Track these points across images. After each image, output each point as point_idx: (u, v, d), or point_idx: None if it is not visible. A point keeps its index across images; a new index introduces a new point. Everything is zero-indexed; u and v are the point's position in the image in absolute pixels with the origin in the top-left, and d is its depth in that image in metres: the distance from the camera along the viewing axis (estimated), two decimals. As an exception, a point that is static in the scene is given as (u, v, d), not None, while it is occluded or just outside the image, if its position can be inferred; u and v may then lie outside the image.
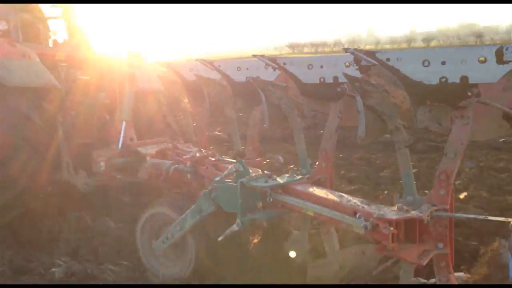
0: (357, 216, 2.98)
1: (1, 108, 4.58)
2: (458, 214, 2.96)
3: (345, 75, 3.25)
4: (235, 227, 3.53)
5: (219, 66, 4.40)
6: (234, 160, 4.30)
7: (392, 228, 2.83)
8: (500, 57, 2.79)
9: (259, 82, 3.91)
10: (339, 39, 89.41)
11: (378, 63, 3.08)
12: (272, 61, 3.76)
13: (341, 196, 3.37)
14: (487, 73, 2.82)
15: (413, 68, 2.99)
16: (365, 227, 2.89)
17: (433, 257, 3.00)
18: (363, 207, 3.10)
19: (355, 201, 3.24)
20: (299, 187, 3.57)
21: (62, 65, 5.69)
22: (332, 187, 3.78)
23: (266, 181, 3.59)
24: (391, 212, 2.95)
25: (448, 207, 2.97)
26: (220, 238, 3.61)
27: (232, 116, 4.65)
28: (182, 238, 3.88)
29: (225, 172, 3.75)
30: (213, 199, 3.68)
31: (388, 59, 3.06)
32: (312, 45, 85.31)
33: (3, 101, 4.57)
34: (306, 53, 76.08)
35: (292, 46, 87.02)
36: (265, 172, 3.82)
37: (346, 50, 3.14)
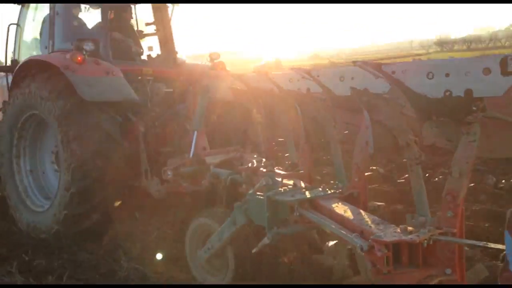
0: (354, 235, 2.91)
1: (81, 121, 5.02)
2: (458, 239, 2.70)
3: (353, 89, 3.17)
4: (266, 241, 3.63)
5: (317, 76, 3.80)
6: (284, 172, 4.41)
7: (386, 251, 2.72)
8: (504, 68, 2.53)
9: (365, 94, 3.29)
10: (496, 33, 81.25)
11: (383, 76, 2.96)
12: (376, 69, 3.06)
13: (360, 213, 3.28)
14: (492, 85, 2.57)
15: (418, 80, 2.82)
16: (361, 248, 2.82)
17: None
18: (370, 227, 3.01)
19: (370, 219, 3.14)
20: (324, 202, 3.53)
21: (148, 79, 6.07)
22: (366, 202, 3.64)
23: (293, 195, 3.61)
24: (391, 234, 2.83)
25: (455, 230, 2.76)
26: (254, 250, 3.74)
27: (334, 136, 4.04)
28: (222, 248, 4.06)
29: (257, 185, 3.85)
30: (245, 212, 3.81)
31: (393, 72, 2.93)
32: (465, 41, 78.34)
33: (83, 114, 5.03)
34: (457, 50, 70.27)
35: (440, 43, 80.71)
36: (300, 185, 3.85)
37: (354, 63, 3.05)
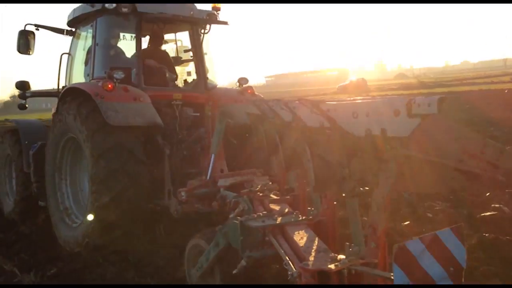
0: (285, 262, 3.16)
1: (107, 143, 5.42)
2: (366, 269, 2.86)
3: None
4: (243, 263, 3.89)
5: (327, 110, 3.33)
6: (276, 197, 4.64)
7: (310, 278, 2.96)
8: (409, 110, 2.68)
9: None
10: None
11: (320, 114, 3.20)
12: (314, 106, 3.19)
13: (312, 241, 3.52)
14: (401, 126, 2.72)
15: (346, 119, 3.02)
16: (292, 275, 3.08)
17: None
18: (309, 255, 3.25)
19: (316, 247, 3.37)
20: (290, 229, 3.76)
21: (177, 103, 6.37)
22: (334, 229, 3.82)
23: (263, 221, 3.89)
24: (319, 263, 3.07)
25: (377, 260, 2.93)
26: (234, 272, 4.04)
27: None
28: (210, 268, 4.39)
29: (237, 210, 4.17)
30: (224, 235, 4.08)
31: (328, 110, 3.16)
32: None
33: (109, 137, 5.42)
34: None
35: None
36: (283, 210, 4.09)
37: (299, 100, 3.30)
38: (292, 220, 3.90)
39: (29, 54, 7.16)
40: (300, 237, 3.62)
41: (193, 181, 5.30)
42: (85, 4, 6.59)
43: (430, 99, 2.56)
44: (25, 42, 7.06)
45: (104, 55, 6.47)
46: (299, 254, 3.36)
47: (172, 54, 7.66)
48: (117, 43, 6.80)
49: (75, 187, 6.46)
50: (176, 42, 7.69)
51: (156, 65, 6.84)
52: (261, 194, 4.52)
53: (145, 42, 7.13)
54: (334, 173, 3.25)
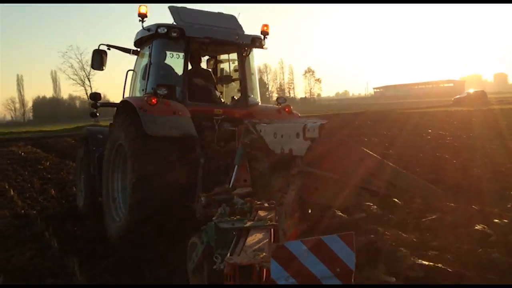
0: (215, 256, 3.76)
1: (147, 152, 6.11)
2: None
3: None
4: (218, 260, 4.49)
5: (260, 130, 4.18)
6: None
7: (229, 270, 3.43)
8: (304, 134, 3.19)
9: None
10: None
11: (256, 134, 3.79)
12: (253, 126, 4.03)
13: (259, 242, 4.05)
14: (299, 146, 3.23)
15: (269, 139, 3.58)
16: (218, 267, 3.64)
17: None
18: (245, 251, 3.81)
19: (256, 247, 3.91)
20: (252, 232, 4.21)
21: (217, 118, 7.08)
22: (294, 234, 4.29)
23: (233, 224, 4.46)
24: (241, 258, 3.61)
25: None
26: (214, 267, 4.68)
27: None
28: (200, 264, 4.99)
29: (217, 213, 4.84)
30: (205, 234, 4.65)
31: (260, 130, 3.74)
32: None
33: (148, 146, 6.12)
34: None
35: None
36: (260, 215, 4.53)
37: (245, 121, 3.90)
38: (259, 225, 4.32)
39: (101, 70, 8.10)
40: (253, 239, 4.12)
41: (216, 188, 5.75)
42: (143, 29, 7.48)
43: (314, 125, 3.06)
44: (98, 59, 8.02)
45: (155, 73, 7.27)
46: (237, 250, 3.86)
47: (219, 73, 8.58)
48: (168, 62, 7.60)
49: (125, 188, 7.02)
50: (229, 62, 8.45)
51: (202, 83, 7.65)
52: (258, 202, 4.90)
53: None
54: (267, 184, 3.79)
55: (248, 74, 7.80)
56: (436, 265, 4.77)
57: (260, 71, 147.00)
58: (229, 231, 4.41)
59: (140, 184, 6.09)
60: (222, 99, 8.22)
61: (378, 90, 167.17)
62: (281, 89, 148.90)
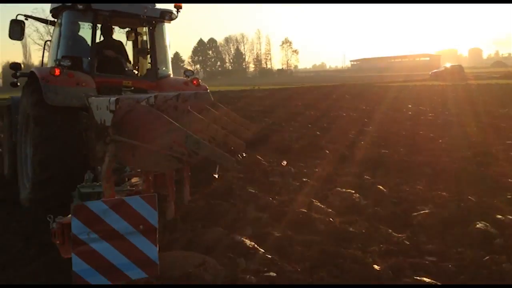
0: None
1: (44, 120, 6.29)
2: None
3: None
4: None
5: (91, 103, 4.44)
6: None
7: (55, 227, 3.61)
8: (109, 106, 3.80)
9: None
10: None
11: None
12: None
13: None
14: (108, 118, 3.75)
15: (94, 111, 4.15)
16: (52, 226, 3.62)
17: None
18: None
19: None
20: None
21: (125, 90, 7.16)
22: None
23: (93, 189, 5.07)
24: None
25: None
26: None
27: None
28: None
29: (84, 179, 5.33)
30: (76, 197, 5.16)
31: (91, 103, 4.30)
32: None
33: (46, 114, 6.27)
34: None
35: None
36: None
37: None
38: (118, 189, 4.74)
39: (20, 40, 8.26)
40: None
41: None
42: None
43: (113, 99, 3.72)
44: (17, 30, 8.12)
45: (64, 44, 7.32)
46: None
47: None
48: (77, 32, 7.62)
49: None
50: (141, 35, 8.65)
51: (113, 55, 7.77)
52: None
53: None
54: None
55: (159, 46, 7.92)
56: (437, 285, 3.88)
57: (237, 41, 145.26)
58: (90, 195, 4.95)
59: (41, 148, 6.28)
60: (136, 71, 8.43)
61: (355, 62, 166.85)
62: (257, 59, 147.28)
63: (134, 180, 5.12)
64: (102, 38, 7.93)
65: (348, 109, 20.56)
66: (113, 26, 8.17)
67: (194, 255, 4.45)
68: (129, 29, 8.68)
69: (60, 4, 7.39)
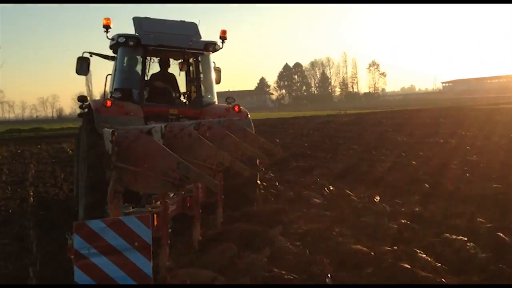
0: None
1: (95, 146, 6.65)
2: None
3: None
4: None
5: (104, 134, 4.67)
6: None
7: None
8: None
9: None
10: None
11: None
12: None
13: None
14: (109, 147, 4.19)
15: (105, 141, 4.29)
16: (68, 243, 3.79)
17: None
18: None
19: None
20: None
21: (172, 117, 7.67)
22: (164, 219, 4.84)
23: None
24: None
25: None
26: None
27: None
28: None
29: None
30: None
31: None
32: None
33: (98, 142, 6.20)
34: None
35: None
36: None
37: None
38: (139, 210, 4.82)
39: (86, 75, 9.03)
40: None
41: None
42: (109, 38, 8.37)
43: (107, 131, 4.21)
44: (82, 66, 8.82)
45: (117, 77, 8.17)
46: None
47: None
48: (131, 68, 8.32)
49: None
50: (187, 65, 8.95)
51: (161, 85, 8.41)
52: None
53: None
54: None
55: (204, 76, 8.49)
56: None
57: (322, 64, 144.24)
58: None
59: (90, 173, 6.71)
60: (184, 100, 8.98)
61: (447, 84, 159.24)
62: (344, 83, 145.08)
63: (158, 202, 5.16)
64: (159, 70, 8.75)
65: (445, 135, 18.79)
66: (170, 59, 8.84)
67: (206, 273, 4.71)
68: (182, 61, 9.06)
69: (114, 42, 8.15)
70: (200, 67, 8.43)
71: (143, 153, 4.21)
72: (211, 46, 8.32)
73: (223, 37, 8.50)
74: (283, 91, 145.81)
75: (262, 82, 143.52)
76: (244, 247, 5.56)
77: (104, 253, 3.58)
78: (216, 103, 8.49)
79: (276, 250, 5.48)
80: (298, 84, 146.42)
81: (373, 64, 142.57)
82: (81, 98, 8.37)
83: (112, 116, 6.82)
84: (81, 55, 8.75)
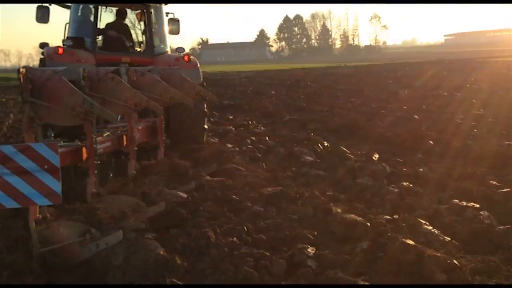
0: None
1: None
2: None
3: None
4: None
5: None
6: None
7: None
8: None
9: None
10: None
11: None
12: None
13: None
14: None
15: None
16: None
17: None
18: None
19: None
20: None
21: (124, 65, 7.17)
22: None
23: None
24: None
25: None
26: None
27: None
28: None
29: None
30: None
31: None
32: None
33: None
34: None
35: None
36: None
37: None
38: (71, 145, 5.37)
39: (46, 23, 8.96)
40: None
41: None
42: None
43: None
44: (42, 14, 8.90)
45: (71, 26, 8.60)
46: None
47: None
48: (84, 17, 8.63)
49: None
50: (144, 16, 8.98)
51: (115, 35, 8.63)
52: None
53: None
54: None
55: (156, 26, 8.96)
56: None
57: (323, 17, 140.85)
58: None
59: None
60: (139, 49, 9.32)
61: (449, 37, 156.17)
62: (344, 36, 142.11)
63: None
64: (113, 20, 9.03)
65: (449, 88, 17.77)
66: (127, 10, 9.04)
67: (130, 199, 5.22)
68: (139, 11, 9.27)
69: None
70: (153, 18, 8.86)
71: (55, 91, 4.76)
72: None
73: None
74: (283, 43, 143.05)
75: (262, 34, 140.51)
76: (173, 180, 6.21)
77: (16, 173, 4.01)
78: (169, 52, 8.96)
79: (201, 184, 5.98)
80: (298, 36, 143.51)
81: (375, 17, 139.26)
82: (42, 45, 8.25)
83: (63, 63, 6.92)
84: (40, 4, 8.89)
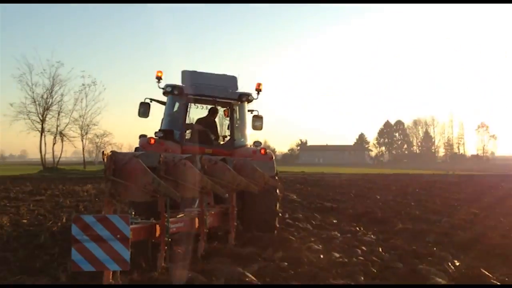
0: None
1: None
2: None
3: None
4: None
5: None
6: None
7: None
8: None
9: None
10: None
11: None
12: None
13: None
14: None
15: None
16: None
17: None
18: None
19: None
20: None
21: (206, 156, 7.85)
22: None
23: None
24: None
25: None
26: None
27: None
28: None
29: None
30: None
31: None
32: None
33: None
34: None
35: None
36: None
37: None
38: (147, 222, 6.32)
39: (146, 117, 9.97)
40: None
41: None
42: (160, 88, 9.82)
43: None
44: (144, 110, 10.00)
45: (164, 120, 9.98)
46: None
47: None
48: (175, 112, 9.82)
49: None
50: (230, 113, 10.20)
51: (201, 129, 9.82)
52: None
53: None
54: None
55: (239, 121, 10.03)
56: None
57: (426, 123, 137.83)
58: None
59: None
60: (222, 142, 10.52)
61: None
62: (448, 143, 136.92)
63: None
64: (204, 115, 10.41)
65: None
66: (218, 107, 10.39)
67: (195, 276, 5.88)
68: (226, 108, 10.42)
69: (163, 90, 9.66)
70: (237, 114, 9.99)
71: (132, 171, 5.46)
72: (244, 97, 9.80)
73: (258, 89, 10.03)
74: (383, 148, 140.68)
75: (361, 138, 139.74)
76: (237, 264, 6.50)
77: (94, 240, 4.73)
78: (248, 146, 10.02)
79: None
80: (399, 142, 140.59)
81: (482, 126, 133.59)
82: (141, 136, 9.10)
83: (152, 152, 7.48)
84: (143, 101, 9.99)
